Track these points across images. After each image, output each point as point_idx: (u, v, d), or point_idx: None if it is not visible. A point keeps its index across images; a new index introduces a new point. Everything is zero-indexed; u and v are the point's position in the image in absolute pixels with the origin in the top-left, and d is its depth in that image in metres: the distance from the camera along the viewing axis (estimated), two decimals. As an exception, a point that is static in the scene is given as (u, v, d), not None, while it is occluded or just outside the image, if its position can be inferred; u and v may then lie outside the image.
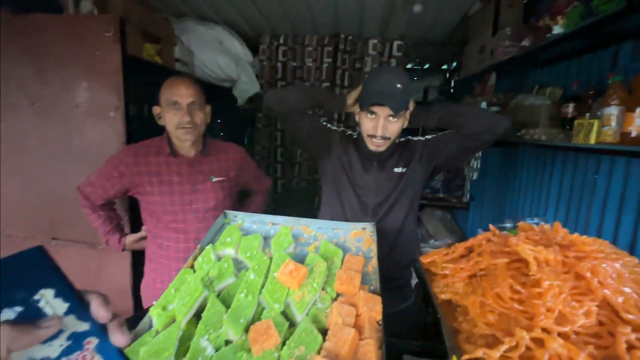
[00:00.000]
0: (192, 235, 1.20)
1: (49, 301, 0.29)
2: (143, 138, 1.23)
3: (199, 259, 0.74)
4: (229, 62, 2.35)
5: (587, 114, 1.25)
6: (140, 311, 0.76)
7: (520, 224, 0.80)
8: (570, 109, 1.40)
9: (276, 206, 3.01)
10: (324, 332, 0.56)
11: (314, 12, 2.33)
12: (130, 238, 1.29)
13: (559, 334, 0.50)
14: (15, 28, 1.45)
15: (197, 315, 0.60)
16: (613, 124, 1.07)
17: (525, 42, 1.62)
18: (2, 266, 0.28)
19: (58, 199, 1.56)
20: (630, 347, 0.47)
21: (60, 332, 0.29)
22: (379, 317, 0.60)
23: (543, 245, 0.62)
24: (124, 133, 1.48)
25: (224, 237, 0.81)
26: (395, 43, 2.70)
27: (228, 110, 2.60)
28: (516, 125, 1.61)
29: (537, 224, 0.79)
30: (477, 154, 2.19)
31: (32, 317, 0.28)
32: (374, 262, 0.77)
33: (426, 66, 3.69)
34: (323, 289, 0.68)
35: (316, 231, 0.91)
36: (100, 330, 0.30)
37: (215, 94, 2.34)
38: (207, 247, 0.77)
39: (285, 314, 0.62)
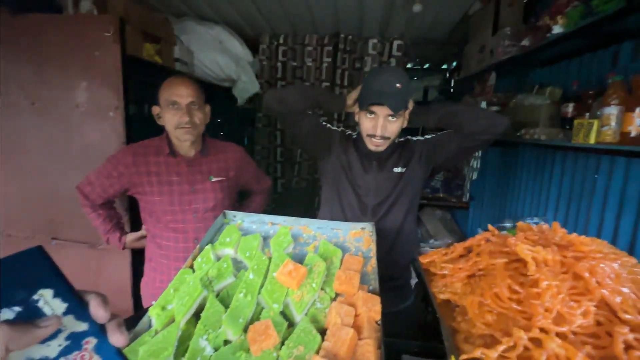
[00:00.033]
0: (192, 235, 1.20)
1: (48, 301, 0.29)
2: (143, 138, 1.23)
3: (198, 258, 0.74)
4: (228, 62, 2.35)
5: (587, 114, 1.25)
6: (139, 311, 0.77)
7: (519, 223, 0.80)
8: (570, 108, 1.40)
9: (276, 206, 3.01)
10: (322, 332, 0.56)
11: (313, 11, 2.33)
12: (131, 236, 1.29)
13: (557, 334, 0.50)
14: (15, 28, 1.45)
15: (196, 315, 0.60)
16: (613, 123, 1.07)
17: (525, 42, 1.62)
18: (2, 266, 0.28)
19: (58, 199, 1.56)
20: (628, 347, 0.47)
21: (58, 332, 0.29)
22: (378, 317, 0.60)
23: (541, 246, 0.62)
24: (123, 133, 1.49)
25: (223, 237, 0.81)
26: (395, 43, 2.70)
27: (228, 110, 2.60)
28: (516, 125, 1.61)
29: (537, 223, 0.79)
30: (477, 154, 2.19)
31: (31, 317, 0.28)
32: (373, 262, 0.77)
33: (426, 66, 3.69)
34: (322, 289, 0.68)
35: (315, 231, 0.91)
36: (99, 330, 0.31)
37: (214, 94, 2.34)
38: (207, 247, 0.77)
39: (284, 314, 0.62)
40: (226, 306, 0.61)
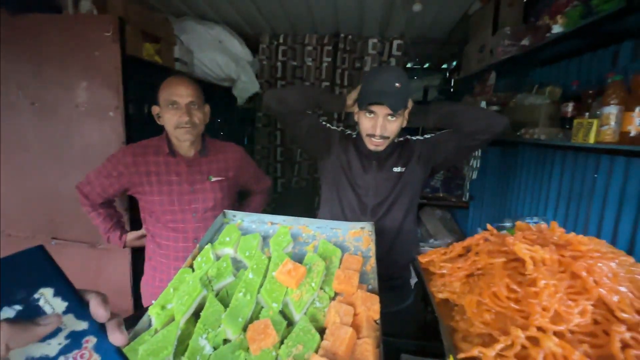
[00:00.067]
0: (191, 234, 1.21)
1: (48, 300, 0.29)
2: (142, 138, 1.23)
3: (198, 258, 0.74)
4: (228, 62, 2.35)
5: (587, 114, 1.25)
6: (139, 310, 0.77)
7: (518, 223, 0.80)
8: (569, 108, 1.40)
9: (276, 206, 3.02)
10: (321, 331, 0.57)
11: (313, 11, 2.33)
12: (131, 235, 1.30)
13: (555, 333, 0.50)
14: (15, 28, 1.45)
15: (196, 315, 0.61)
16: (612, 123, 1.07)
17: (525, 42, 1.61)
18: (2, 265, 0.28)
19: (58, 198, 1.56)
20: (625, 346, 0.47)
21: (58, 330, 0.29)
22: (377, 316, 0.60)
23: (539, 245, 0.63)
24: (123, 133, 1.49)
25: (222, 236, 0.81)
26: (395, 42, 2.70)
27: (228, 110, 2.60)
28: (516, 124, 1.61)
29: (536, 223, 0.79)
30: (476, 153, 2.19)
31: (31, 315, 0.28)
32: (372, 261, 0.78)
33: (426, 65, 3.69)
34: (321, 288, 0.68)
35: (315, 231, 0.91)
36: (99, 329, 0.31)
37: (214, 94, 2.34)
38: (206, 246, 0.77)
39: (283, 313, 0.62)
40: (226, 305, 0.61)
